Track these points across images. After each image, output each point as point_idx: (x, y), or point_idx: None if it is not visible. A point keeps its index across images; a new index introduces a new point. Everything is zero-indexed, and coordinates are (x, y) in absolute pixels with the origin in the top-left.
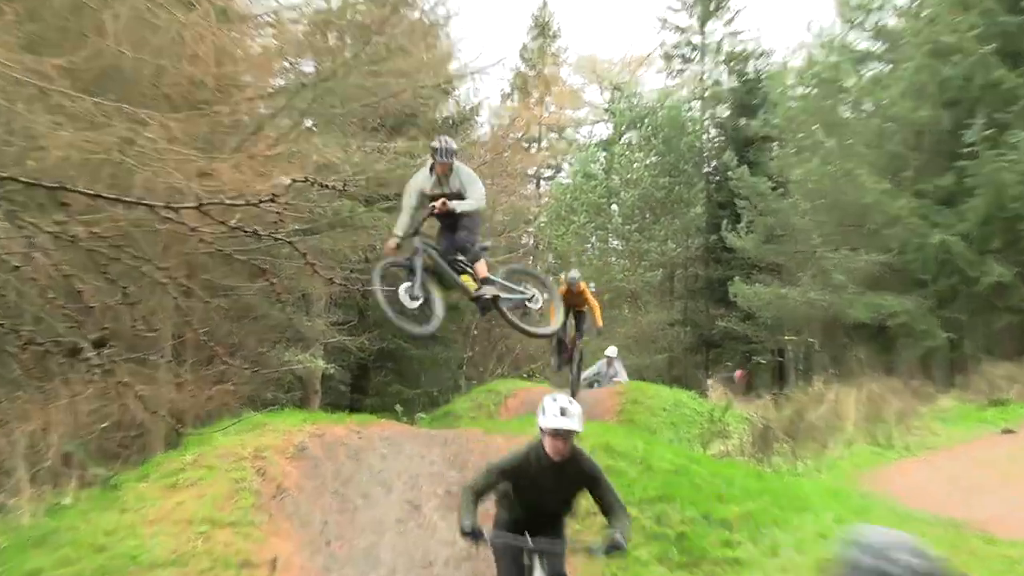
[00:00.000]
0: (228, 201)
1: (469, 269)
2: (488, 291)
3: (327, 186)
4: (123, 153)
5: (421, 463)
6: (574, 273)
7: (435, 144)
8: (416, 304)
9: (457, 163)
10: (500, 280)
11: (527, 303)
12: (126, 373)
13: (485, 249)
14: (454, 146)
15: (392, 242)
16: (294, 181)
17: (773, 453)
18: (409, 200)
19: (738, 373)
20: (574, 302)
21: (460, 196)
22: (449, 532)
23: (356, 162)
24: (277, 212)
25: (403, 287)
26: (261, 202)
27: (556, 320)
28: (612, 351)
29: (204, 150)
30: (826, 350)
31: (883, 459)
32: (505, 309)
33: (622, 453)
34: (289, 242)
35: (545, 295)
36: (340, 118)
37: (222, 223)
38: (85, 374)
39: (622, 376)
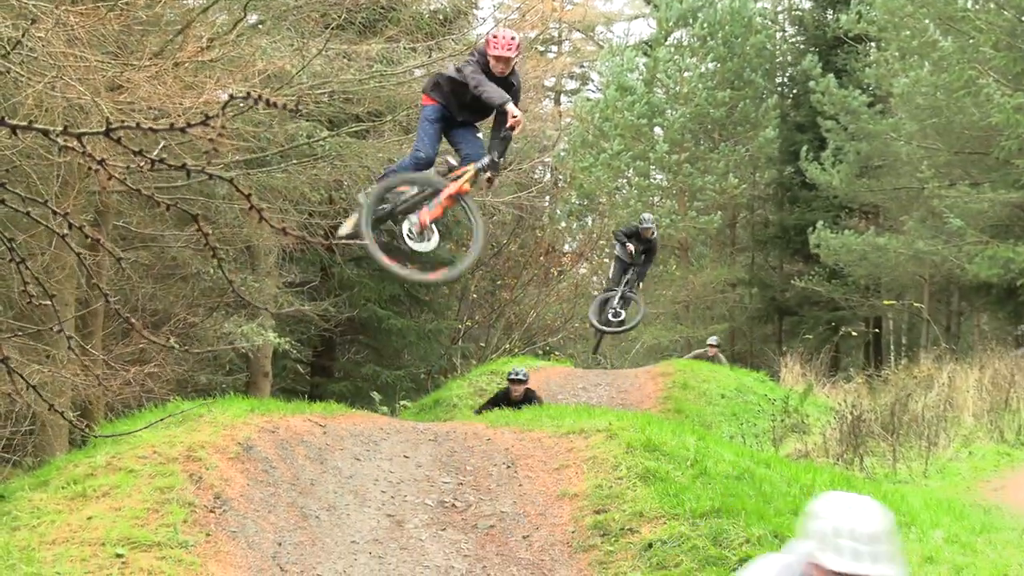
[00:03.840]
0: (147, 124)
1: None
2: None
3: (275, 104)
4: (6, 59)
5: (405, 466)
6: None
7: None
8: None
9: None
10: None
11: None
12: (14, 351)
13: None
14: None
15: None
16: (231, 98)
17: (866, 453)
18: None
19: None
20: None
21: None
22: (441, 555)
23: (316, 71)
24: (210, 140)
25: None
26: (190, 126)
27: None
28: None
29: (115, 55)
30: (937, 319)
31: (1012, 461)
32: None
33: (668, 453)
34: (227, 179)
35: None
36: (295, 13)
37: (138, 154)
38: None
39: None
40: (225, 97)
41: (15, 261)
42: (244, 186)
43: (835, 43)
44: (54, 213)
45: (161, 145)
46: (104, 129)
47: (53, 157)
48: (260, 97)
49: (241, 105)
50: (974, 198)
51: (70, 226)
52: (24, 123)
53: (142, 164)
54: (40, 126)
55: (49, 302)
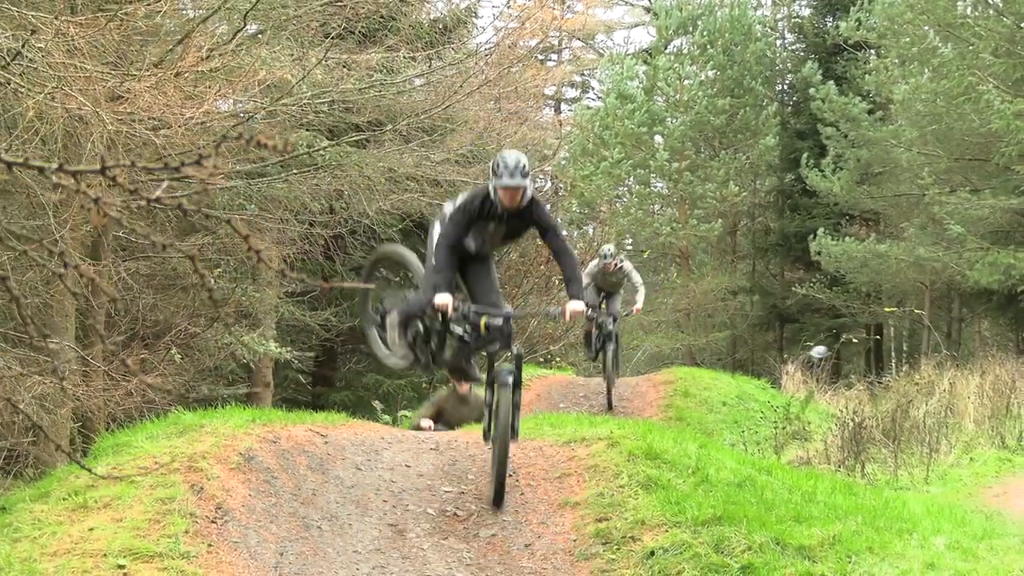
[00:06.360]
0: (143, 163)
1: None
2: None
3: (265, 145)
4: (6, 70)
5: (406, 476)
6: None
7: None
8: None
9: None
10: None
11: None
12: (13, 361)
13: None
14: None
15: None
16: (224, 138)
17: (868, 460)
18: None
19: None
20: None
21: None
22: (443, 564)
23: (316, 81)
24: (202, 180)
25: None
26: (184, 165)
27: None
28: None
29: (115, 66)
30: (938, 325)
31: (1014, 467)
32: None
33: (669, 461)
34: (225, 219)
35: None
36: (294, 22)
37: (134, 193)
38: None
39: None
40: (225, 107)
41: (12, 299)
42: (239, 223)
43: (835, 50)
44: (50, 253)
45: (164, 185)
46: (100, 167)
47: (49, 195)
48: (252, 138)
49: (239, 112)
50: (974, 204)
51: (65, 265)
52: (20, 160)
53: (140, 203)
54: (36, 163)
55: (49, 310)
